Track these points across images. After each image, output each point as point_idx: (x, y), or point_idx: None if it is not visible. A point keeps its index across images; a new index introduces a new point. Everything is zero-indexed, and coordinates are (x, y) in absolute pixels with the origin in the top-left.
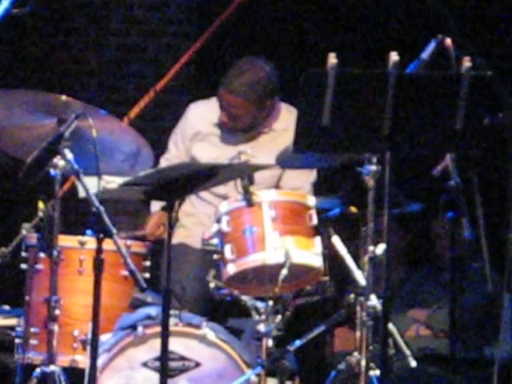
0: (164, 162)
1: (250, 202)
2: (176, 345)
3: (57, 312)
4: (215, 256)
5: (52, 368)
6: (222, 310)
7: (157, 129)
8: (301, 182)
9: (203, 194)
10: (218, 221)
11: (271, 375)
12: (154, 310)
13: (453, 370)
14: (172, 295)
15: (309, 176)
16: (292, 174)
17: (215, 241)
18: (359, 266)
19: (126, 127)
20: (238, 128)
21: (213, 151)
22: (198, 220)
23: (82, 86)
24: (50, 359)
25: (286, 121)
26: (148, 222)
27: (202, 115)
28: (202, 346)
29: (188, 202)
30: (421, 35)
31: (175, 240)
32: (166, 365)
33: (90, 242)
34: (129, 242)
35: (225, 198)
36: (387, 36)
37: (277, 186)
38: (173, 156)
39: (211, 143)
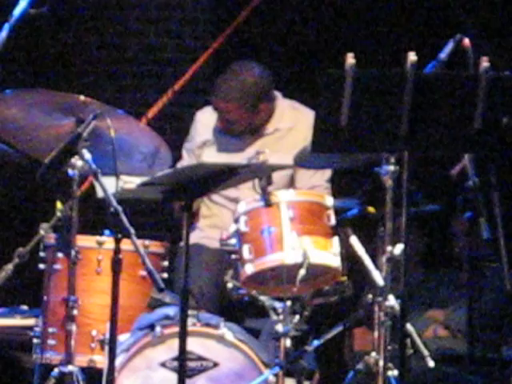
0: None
1: (268, 202)
2: (194, 345)
3: (75, 312)
4: (233, 256)
5: (70, 368)
6: (240, 310)
7: (175, 129)
8: (317, 180)
9: (215, 198)
10: (236, 221)
11: (289, 375)
12: (171, 310)
13: (471, 370)
14: (190, 295)
15: (324, 173)
16: (306, 172)
17: (233, 241)
18: (377, 266)
19: (144, 127)
20: (235, 132)
21: (221, 157)
22: (212, 222)
23: (100, 86)
24: (68, 359)
25: (290, 119)
26: None
27: (208, 122)
28: (220, 346)
29: (203, 204)
30: (439, 35)
31: (192, 240)
32: (184, 365)
33: (108, 242)
34: (147, 242)
35: (237, 201)
36: (405, 36)
37: (291, 185)
38: (186, 163)
39: (219, 149)
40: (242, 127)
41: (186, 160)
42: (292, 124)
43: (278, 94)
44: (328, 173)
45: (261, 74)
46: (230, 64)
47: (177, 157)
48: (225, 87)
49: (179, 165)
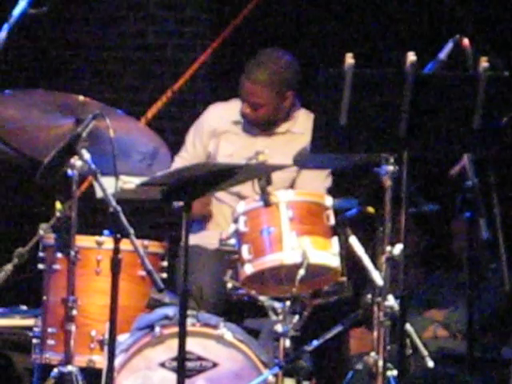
0: (178, 160)
1: (267, 203)
2: (193, 345)
3: (74, 312)
4: (233, 256)
5: (69, 368)
6: (240, 311)
7: (174, 129)
8: (316, 186)
9: (217, 193)
10: (236, 221)
11: (288, 375)
12: (171, 311)
13: (470, 371)
14: (189, 295)
15: (324, 181)
16: (306, 177)
17: (232, 241)
18: (376, 267)
19: (144, 127)
20: (259, 119)
21: (228, 148)
22: (213, 220)
23: (100, 86)
24: (68, 359)
25: (303, 125)
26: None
27: (220, 114)
28: (219, 346)
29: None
30: (438, 35)
31: (192, 241)
32: (183, 365)
33: (108, 242)
34: (146, 242)
35: (238, 195)
36: (405, 36)
37: (291, 188)
38: (189, 154)
39: (227, 140)
40: (267, 113)
41: (190, 151)
42: (304, 130)
43: (298, 101)
44: (328, 181)
45: (291, 61)
46: (261, 50)
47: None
48: (255, 70)
49: (179, 157)
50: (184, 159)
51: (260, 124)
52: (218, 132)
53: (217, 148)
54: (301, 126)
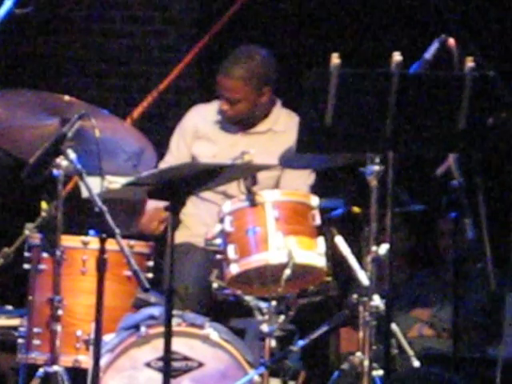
0: (164, 166)
1: (253, 202)
2: (179, 345)
3: (60, 312)
4: (218, 256)
5: (55, 368)
6: (225, 310)
7: (160, 129)
8: (299, 184)
9: (203, 192)
10: (221, 221)
11: (274, 375)
12: (157, 310)
13: (456, 370)
14: (175, 295)
15: (307, 178)
16: (290, 175)
17: (218, 241)
18: (362, 266)
19: (129, 127)
20: (237, 116)
21: (210, 149)
22: (200, 220)
23: (85, 86)
24: (53, 359)
25: (285, 124)
26: (142, 219)
27: (202, 114)
28: (205, 346)
29: (190, 202)
30: (424, 35)
31: (178, 240)
32: (169, 365)
33: (93, 241)
34: (132, 242)
35: (224, 194)
36: (390, 36)
37: (276, 188)
38: (174, 158)
39: (209, 141)
40: (245, 109)
41: (174, 155)
42: (285, 128)
43: (278, 100)
44: (311, 179)
45: (267, 56)
46: (237, 47)
47: (162, 156)
48: (231, 65)
49: (163, 162)
50: (167, 163)
51: (239, 121)
52: (201, 133)
53: (200, 149)
54: (282, 125)
